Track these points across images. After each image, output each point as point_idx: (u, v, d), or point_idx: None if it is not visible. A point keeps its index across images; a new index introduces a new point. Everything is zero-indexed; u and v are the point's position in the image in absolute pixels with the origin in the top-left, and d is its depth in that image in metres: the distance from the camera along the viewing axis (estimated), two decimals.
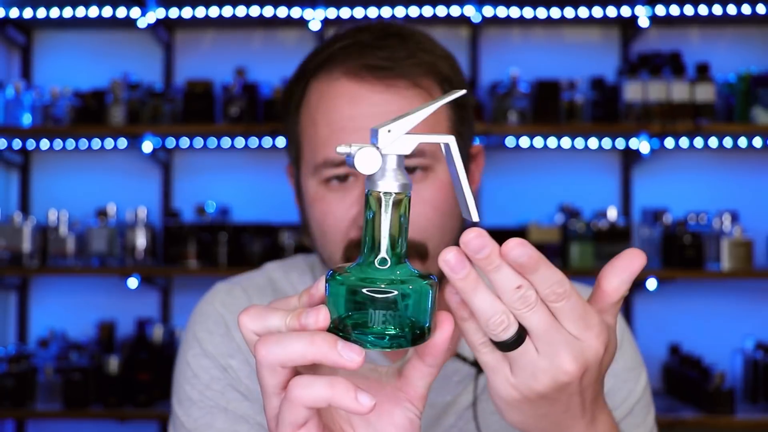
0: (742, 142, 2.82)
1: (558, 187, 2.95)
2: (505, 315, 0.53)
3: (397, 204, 0.53)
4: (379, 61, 0.86)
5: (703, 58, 2.81)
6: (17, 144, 2.96)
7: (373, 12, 2.81)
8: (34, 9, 2.88)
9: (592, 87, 2.78)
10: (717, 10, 2.77)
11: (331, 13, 2.84)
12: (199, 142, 2.97)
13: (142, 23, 2.86)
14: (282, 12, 2.83)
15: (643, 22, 2.79)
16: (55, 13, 2.88)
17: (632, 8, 2.80)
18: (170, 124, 2.78)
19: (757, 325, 2.85)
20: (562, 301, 0.53)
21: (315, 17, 2.83)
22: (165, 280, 2.96)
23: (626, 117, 2.68)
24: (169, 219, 2.85)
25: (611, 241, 2.71)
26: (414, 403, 0.58)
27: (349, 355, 0.51)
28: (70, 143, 2.98)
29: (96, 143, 2.98)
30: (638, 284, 2.69)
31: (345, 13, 2.83)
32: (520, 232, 2.72)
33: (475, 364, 0.89)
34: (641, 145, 2.74)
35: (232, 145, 2.98)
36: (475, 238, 0.51)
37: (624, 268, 0.56)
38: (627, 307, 2.91)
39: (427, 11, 2.82)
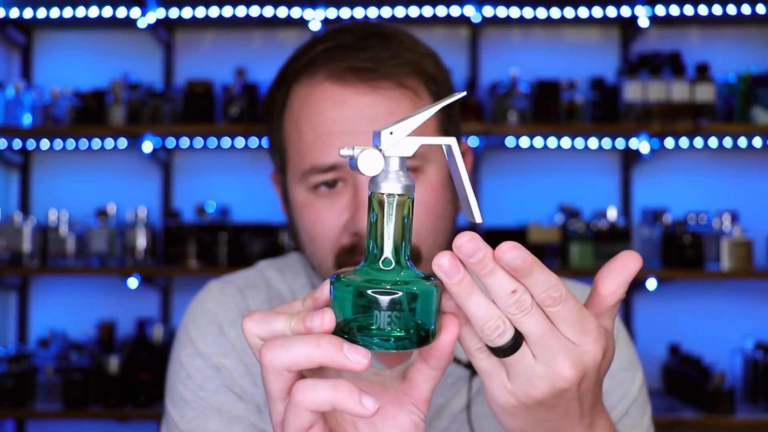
0: (742, 142, 2.83)
1: (558, 187, 2.95)
2: (500, 320, 0.52)
3: (400, 205, 0.53)
4: (362, 62, 0.85)
5: (703, 58, 2.81)
6: (17, 144, 2.96)
7: (373, 12, 2.81)
8: (34, 9, 2.88)
9: (592, 87, 2.78)
10: (717, 10, 2.77)
11: (331, 13, 2.84)
12: (199, 142, 2.97)
13: (142, 23, 2.86)
14: (282, 12, 2.83)
15: (643, 22, 2.79)
16: (55, 13, 2.88)
17: (632, 8, 2.80)
18: (170, 124, 2.78)
19: (757, 325, 2.85)
20: (558, 305, 0.53)
21: (315, 17, 2.83)
22: (165, 280, 2.96)
23: (626, 117, 2.68)
24: (169, 219, 2.85)
25: (611, 241, 2.71)
26: (418, 406, 0.58)
27: (356, 357, 0.51)
28: (70, 143, 2.98)
29: (96, 143, 2.98)
30: (638, 284, 2.69)
31: (345, 13, 2.83)
32: (520, 232, 2.73)
33: (469, 366, 0.88)
34: (641, 145, 2.74)
35: (232, 145, 2.98)
36: (468, 242, 0.50)
37: (620, 271, 0.55)
38: (627, 307, 2.91)
39: (427, 11, 2.82)
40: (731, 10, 2.78)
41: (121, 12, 2.86)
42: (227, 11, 2.84)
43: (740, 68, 2.78)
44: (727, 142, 2.83)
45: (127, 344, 2.80)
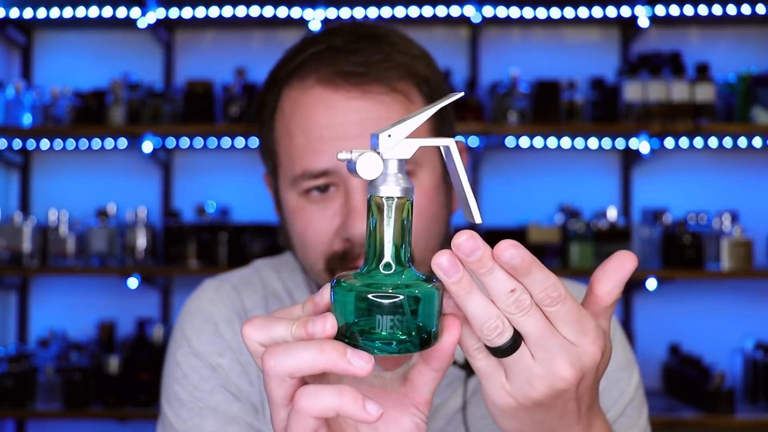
0: (742, 142, 2.82)
1: (558, 187, 2.95)
2: (499, 320, 0.52)
3: (399, 208, 0.53)
4: (353, 66, 0.83)
5: (703, 58, 2.81)
6: (17, 144, 2.96)
7: (373, 12, 2.81)
8: (34, 9, 2.88)
9: (592, 87, 2.78)
10: (717, 10, 2.77)
11: (331, 13, 2.83)
12: (199, 142, 2.97)
13: (142, 23, 2.86)
14: (282, 12, 2.83)
15: (643, 22, 2.79)
16: (55, 13, 2.88)
17: (632, 8, 2.80)
18: (170, 124, 2.78)
19: (757, 325, 2.85)
20: (557, 305, 0.52)
21: (315, 17, 2.83)
22: (165, 280, 2.96)
23: (626, 117, 2.68)
24: (169, 219, 2.85)
25: (611, 241, 2.71)
26: (420, 408, 0.58)
27: (359, 362, 0.51)
28: (70, 143, 2.98)
29: (96, 143, 2.98)
30: (638, 284, 2.69)
31: (345, 13, 2.83)
32: (520, 233, 2.72)
33: (464, 367, 0.88)
34: (641, 145, 2.74)
35: (232, 145, 2.98)
36: (467, 241, 0.50)
37: (615, 271, 0.55)
38: (627, 307, 2.91)
39: (427, 11, 2.82)
40: (731, 10, 2.78)
41: (121, 12, 2.86)
42: (227, 11, 2.84)
43: (740, 68, 2.78)
44: (727, 142, 2.83)
45: (127, 344, 2.80)
